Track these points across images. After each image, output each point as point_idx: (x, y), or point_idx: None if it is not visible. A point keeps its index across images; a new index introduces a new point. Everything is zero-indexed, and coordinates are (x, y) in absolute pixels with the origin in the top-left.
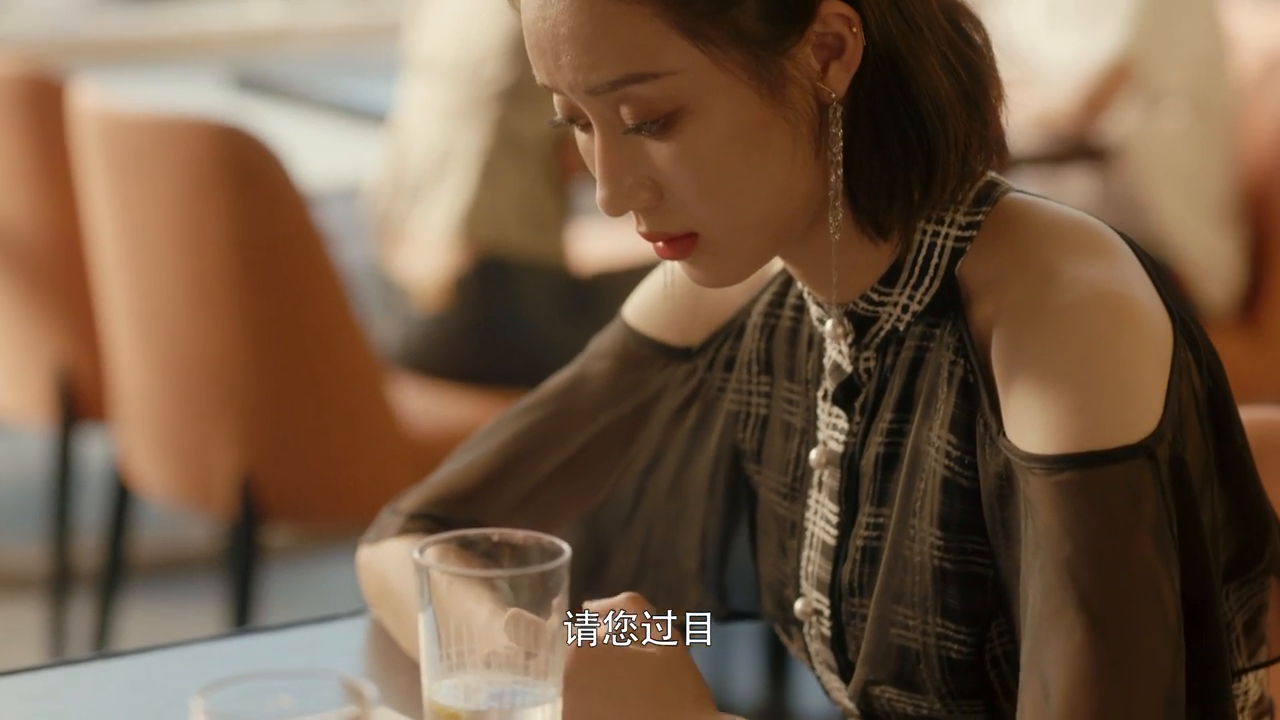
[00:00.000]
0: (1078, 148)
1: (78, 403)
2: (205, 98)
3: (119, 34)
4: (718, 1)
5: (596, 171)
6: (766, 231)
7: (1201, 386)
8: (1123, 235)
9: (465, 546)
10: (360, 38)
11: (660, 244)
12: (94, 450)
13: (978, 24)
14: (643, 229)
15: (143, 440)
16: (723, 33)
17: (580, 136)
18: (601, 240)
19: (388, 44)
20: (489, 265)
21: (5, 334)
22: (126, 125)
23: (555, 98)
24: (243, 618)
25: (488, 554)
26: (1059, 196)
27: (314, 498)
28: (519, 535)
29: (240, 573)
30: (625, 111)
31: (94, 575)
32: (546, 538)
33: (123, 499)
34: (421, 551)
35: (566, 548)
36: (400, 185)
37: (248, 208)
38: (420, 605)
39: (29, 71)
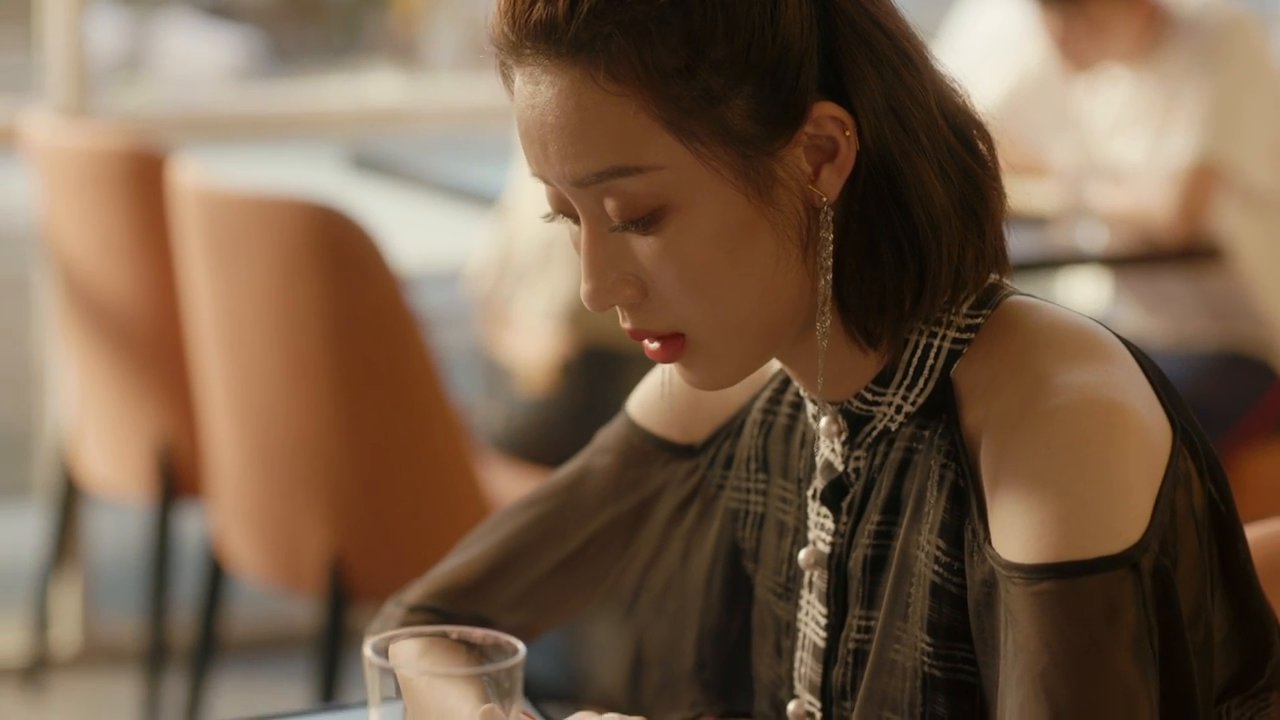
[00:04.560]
0: (1180, 250)
1: (176, 478)
2: (320, 176)
3: (239, 110)
4: (705, 98)
5: (581, 265)
6: (753, 333)
7: (1202, 497)
8: (1128, 343)
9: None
10: (479, 119)
11: (650, 344)
12: (192, 525)
13: (984, 134)
14: (628, 325)
15: (236, 519)
16: (710, 130)
17: (571, 228)
18: None
19: (506, 125)
20: (594, 353)
21: (107, 408)
22: (223, 203)
23: (545, 190)
24: (329, 697)
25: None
26: (1153, 298)
27: (403, 579)
28: (476, 634)
29: (328, 653)
30: (611, 207)
31: (188, 650)
32: (504, 636)
33: (217, 576)
34: (375, 649)
35: (521, 646)
36: (506, 268)
37: (341, 289)
38: (371, 702)
39: (131, 146)
